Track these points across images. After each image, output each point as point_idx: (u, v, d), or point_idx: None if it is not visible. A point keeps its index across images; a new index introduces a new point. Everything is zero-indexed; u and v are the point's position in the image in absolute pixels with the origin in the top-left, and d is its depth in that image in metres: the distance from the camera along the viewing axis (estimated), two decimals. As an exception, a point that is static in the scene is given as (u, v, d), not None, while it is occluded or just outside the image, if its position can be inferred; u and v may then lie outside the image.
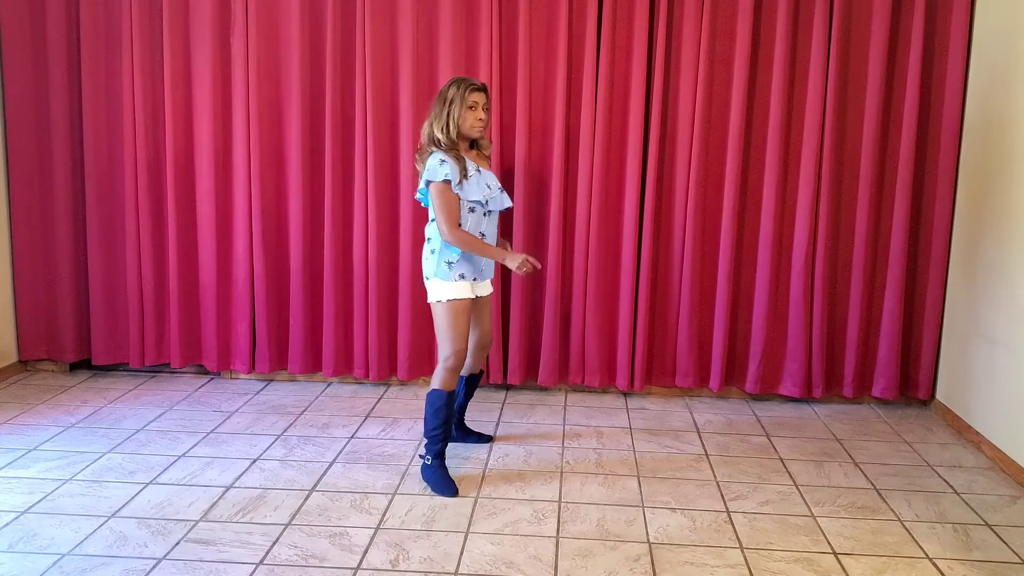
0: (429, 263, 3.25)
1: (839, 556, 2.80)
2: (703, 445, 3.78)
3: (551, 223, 4.24)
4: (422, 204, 3.34)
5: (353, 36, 4.20)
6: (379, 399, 4.30)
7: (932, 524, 3.05)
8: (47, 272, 4.47)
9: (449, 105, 3.17)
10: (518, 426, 3.96)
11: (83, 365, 4.65)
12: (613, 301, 4.33)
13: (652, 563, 2.71)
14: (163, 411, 4.04)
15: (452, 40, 4.14)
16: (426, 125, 3.21)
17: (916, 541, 2.91)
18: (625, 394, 4.47)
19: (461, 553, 2.75)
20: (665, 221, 4.28)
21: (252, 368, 4.51)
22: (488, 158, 3.39)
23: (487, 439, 3.74)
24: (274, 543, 2.79)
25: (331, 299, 4.36)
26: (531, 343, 4.40)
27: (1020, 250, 3.53)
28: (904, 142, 4.08)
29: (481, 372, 3.65)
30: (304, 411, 4.10)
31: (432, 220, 3.22)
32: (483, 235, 3.26)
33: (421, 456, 3.32)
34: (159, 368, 4.62)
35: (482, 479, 3.34)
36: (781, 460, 3.62)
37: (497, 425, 3.96)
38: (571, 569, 2.67)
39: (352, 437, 3.78)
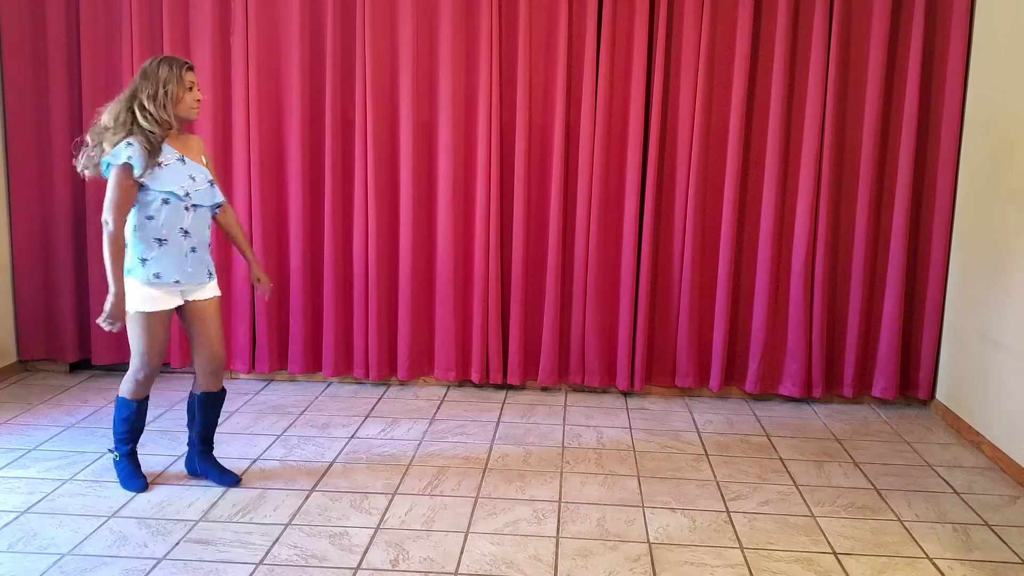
0: (127, 258, 2.93)
1: (839, 556, 2.80)
2: (703, 445, 3.78)
3: (551, 223, 4.24)
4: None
5: (353, 36, 4.20)
6: (379, 399, 4.30)
7: (932, 524, 3.05)
8: (47, 272, 4.47)
9: (165, 84, 2.86)
10: (518, 426, 3.96)
11: (83, 365, 4.64)
12: (613, 301, 4.33)
13: (652, 563, 2.71)
14: (163, 411, 4.04)
15: (452, 40, 4.14)
16: (115, 106, 2.89)
17: (916, 541, 2.92)
18: (625, 394, 4.47)
19: (461, 553, 2.75)
20: (665, 221, 4.28)
21: (252, 368, 4.51)
22: (198, 150, 3.07)
23: (233, 480, 3.20)
24: (274, 543, 2.79)
25: (331, 299, 4.36)
26: (531, 343, 4.40)
27: (1020, 250, 3.53)
28: (904, 142, 4.09)
29: (222, 391, 3.20)
30: (304, 411, 4.10)
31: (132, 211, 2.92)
32: (186, 232, 2.95)
33: (110, 450, 3.23)
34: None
35: (482, 479, 3.34)
36: (781, 460, 3.62)
37: (497, 425, 3.96)
38: (571, 569, 2.67)
39: (352, 437, 3.78)
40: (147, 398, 3.15)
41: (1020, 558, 2.82)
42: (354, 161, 4.27)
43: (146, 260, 2.92)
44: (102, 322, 2.88)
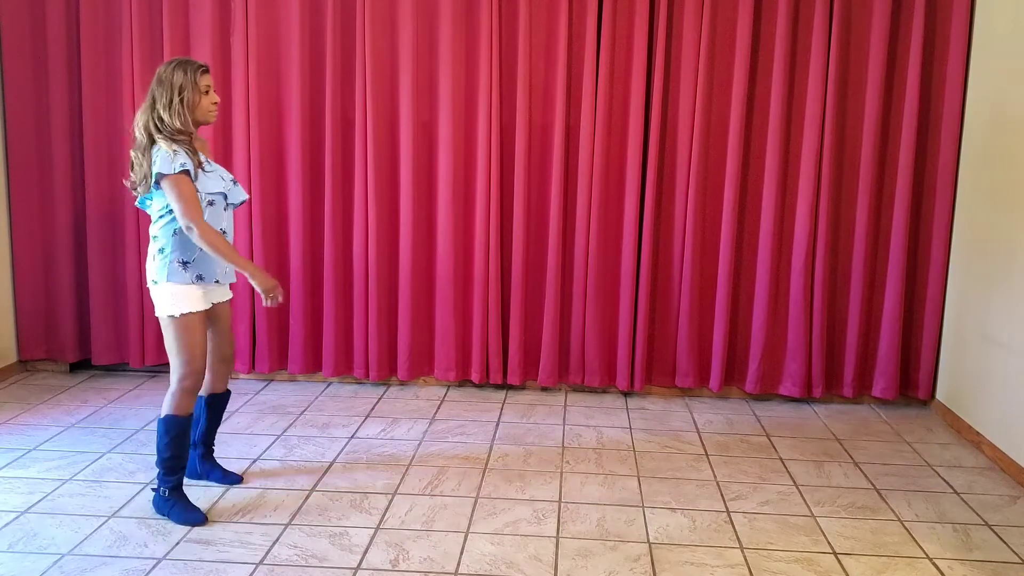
0: (155, 265, 2.88)
1: (839, 556, 2.80)
2: (703, 445, 3.78)
3: (551, 223, 4.24)
4: (145, 210, 2.97)
5: (353, 36, 4.20)
6: (379, 399, 4.30)
7: (932, 524, 3.05)
8: (47, 272, 4.47)
9: (180, 91, 2.83)
10: (518, 426, 3.96)
11: (83, 365, 4.64)
12: (613, 301, 4.33)
13: (652, 563, 2.71)
14: (163, 411, 4.04)
15: (452, 40, 4.14)
16: (141, 116, 2.85)
17: (916, 541, 2.92)
18: (625, 394, 4.47)
19: (461, 553, 2.75)
20: (665, 221, 4.28)
21: (252, 368, 4.51)
22: (208, 151, 3.11)
23: (235, 479, 3.24)
24: (274, 543, 2.79)
25: (331, 299, 4.36)
26: (531, 343, 4.40)
27: (1020, 250, 3.53)
28: (904, 142, 4.09)
29: (227, 392, 3.20)
30: (304, 411, 4.10)
31: (159, 219, 2.88)
32: (224, 232, 2.95)
33: (153, 488, 3.01)
34: (159, 368, 4.62)
35: (482, 479, 3.34)
36: (781, 460, 3.62)
37: (497, 425, 3.96)
38: (571, 569, 2.67)
39: (352, 437, 3.78)
40: (192, 415, 2.97)
41: (1020, 558, 2.82)
42: (354, 161, 4.27)
43: (188, 263, 2.87)
44: (267, 303, 2.93)
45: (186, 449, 2.96)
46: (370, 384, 4.54)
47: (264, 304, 2.98)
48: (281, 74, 4.26)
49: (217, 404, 3.19)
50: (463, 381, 4.51)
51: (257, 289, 2.93)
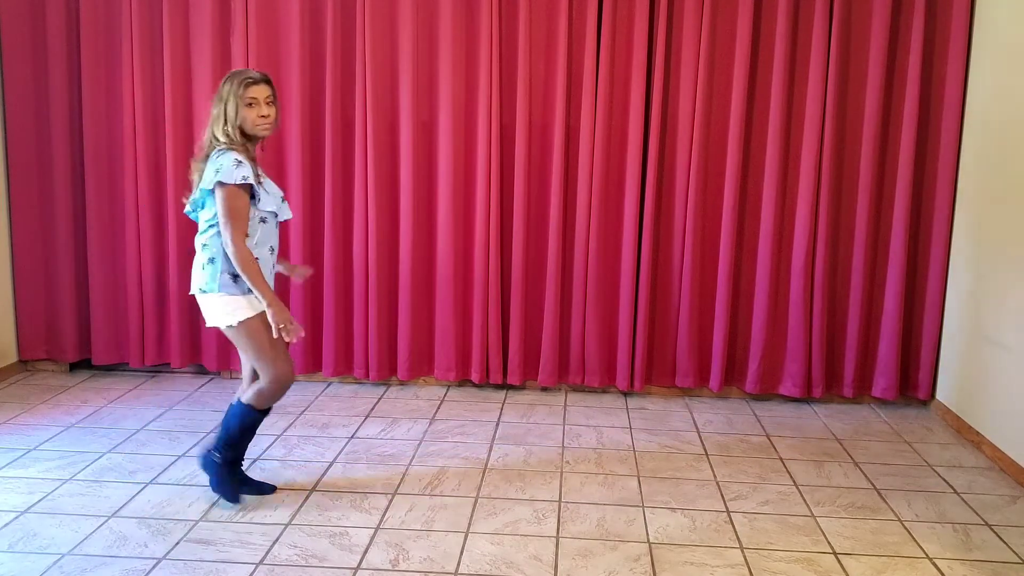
0: (205, 275, 2.86)
1: (839, 556, 2.80)
2: (703, 445, 3.78)
3: (551, 223, 4.24)
4: (193, 218, 2.96)
5: (353, 36, 4.20)
6: (379, 399, 4.30)
7: (932, 524, 3.05)
8: (47, 272, 4.47)
9: (225, 104, 2.79)
10: (518, 426, 3.96)
11: (83, 365, 4.64)
12: (613, 301, 4.33)
13: (652, 563, 2.71)
14: (163, 411, 4.04)
15: (452, 40, 4.15)
16: (207, 129, 2.85)
17: (916, 541, 2.92)
18: (625, 394, 4.47)
19: (461, 553, 2.75)
20: (665, 221, 4.28)
21: (252, 368, 4.50)
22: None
23: (268, 490, 3.16)
24: (274, 543, 2.79)
25: (331, 299, 4.36)
26: (531, 343, 4.41)
27: (1020, 250, 3.53)
28: (904, 142, 4.09)
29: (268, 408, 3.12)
30: (304, 411, 4.10)
31: (208, 229, 2.85)
32: (273, 249, 2.96)
33: (209, 449, 3.06)
34: (159, 368, 4.62)
35: (482, 479, 3.34)
36: (781, 460, 3.62)
37: (497, 425, 3.96)
38: (571, 569, 2.67)
39: (352, 437, 3.78)
40: (268, 411, 3.04)
41: (1020, 558, 2.82)
42: (354, 161, 4.27)
43: (239, 277, 2.82)
44: (277, 335, 2.82)
45: (249, 438, 3.05)
46: (370, 384, 4.54)
47: (273, 336, 2.87)
48: (281, 74, 4.25)
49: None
50: (463, 381, 4.51)
51: (271, 320, 2.82)
